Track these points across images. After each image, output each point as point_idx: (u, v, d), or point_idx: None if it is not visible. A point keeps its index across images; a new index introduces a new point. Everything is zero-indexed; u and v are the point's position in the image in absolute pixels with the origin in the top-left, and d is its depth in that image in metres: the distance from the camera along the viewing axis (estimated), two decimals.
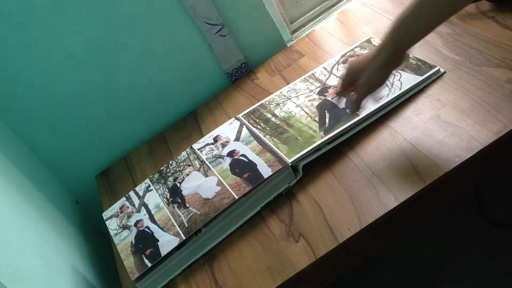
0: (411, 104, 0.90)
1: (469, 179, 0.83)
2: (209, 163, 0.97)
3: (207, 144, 1.02)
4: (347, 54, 1.07)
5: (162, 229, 0.90)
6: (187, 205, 0.91)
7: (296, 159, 0.88)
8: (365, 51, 1.04)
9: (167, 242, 0.87)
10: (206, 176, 0.95)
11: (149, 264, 0.85)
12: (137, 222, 0.94)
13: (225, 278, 0.82)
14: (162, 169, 1.03)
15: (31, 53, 1.03)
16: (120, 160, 1.20)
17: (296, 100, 1.02)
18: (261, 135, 0.97)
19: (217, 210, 0.87)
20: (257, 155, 0.93)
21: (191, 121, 1.18)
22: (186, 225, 0.88)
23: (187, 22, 1.12)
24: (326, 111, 0.95)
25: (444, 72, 0.92)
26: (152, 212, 0.95)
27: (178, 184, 0.97)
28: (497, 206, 1.15)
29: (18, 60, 1.03)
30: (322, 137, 0.90)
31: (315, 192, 0.86)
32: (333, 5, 1.29)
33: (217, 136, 1.02)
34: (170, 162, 1.04)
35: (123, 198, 1.02)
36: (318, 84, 1.03)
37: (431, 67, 0.93)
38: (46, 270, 0.84)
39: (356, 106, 0.84)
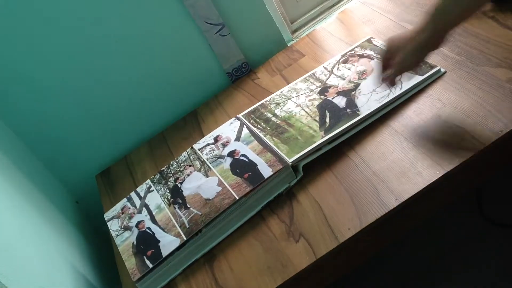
0: (412, 104, 0.90)
1: (470, 179, 0.83)
2: (210, 163, 0.97)
3: (208, 144, 1.02)
4: (348, 53, 1.07)
5: (163, 230, 0.90)
6: (188, 206, 0.91)
7: (297, 159, 0.88)
8: (365, 51, 1.04)
9: (168, 243, 0.87)
10: (207, 176, 0.95)
11: (151, 265, 0.85)
12: (139, 223, 0.94)
13: (225, 278, 0.82)
14: (163, 170, 1.03)
15: (31, 53, 1.03)
16: (120, 160, 1.20)
17: (297, 99, 1.02)
18: (261, 135, 0.97)
19: (218, 210, 0.86)
20: (257, 155, 0.93)
21: (192, 121, 1.18)
22: (187, 226, 0.88)
23: (187, 22, 1.12)
24: (326, 111, 0.95)
25: (445, 72, 0.92)
26: (153, 213, 0.94)
27: (179, 185, 0.97)
28: (497, 206, 1.15)
29: (18, 60, 1.03)
30: (322, 137, 0.90)
31: (315, 192, 0.86)
32: (334, 5, 1.29)
33: (217, 136, 1.02)
34: (171, 163, 1.03)
35: (125, 199, 1.02)
36: (318, 84, 1.03)
37: (432, 66, 0.93)
38: (46, 270, 0.84)
39: (392, 82, 0.85)
